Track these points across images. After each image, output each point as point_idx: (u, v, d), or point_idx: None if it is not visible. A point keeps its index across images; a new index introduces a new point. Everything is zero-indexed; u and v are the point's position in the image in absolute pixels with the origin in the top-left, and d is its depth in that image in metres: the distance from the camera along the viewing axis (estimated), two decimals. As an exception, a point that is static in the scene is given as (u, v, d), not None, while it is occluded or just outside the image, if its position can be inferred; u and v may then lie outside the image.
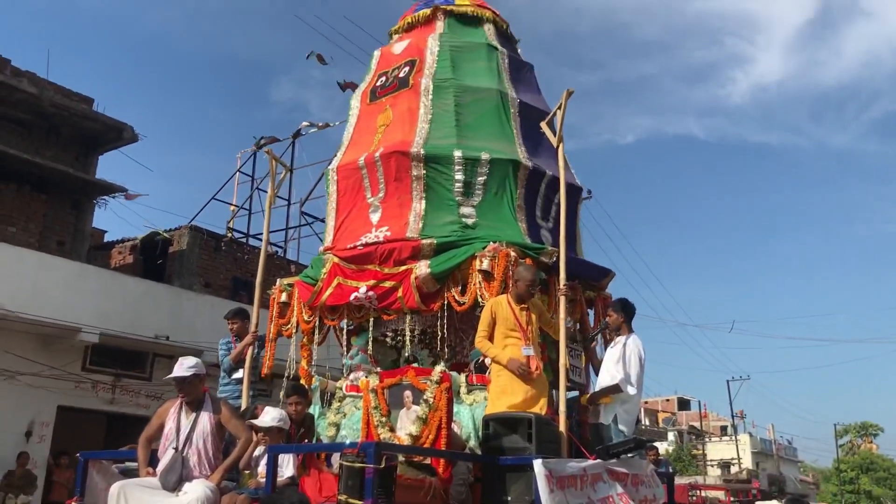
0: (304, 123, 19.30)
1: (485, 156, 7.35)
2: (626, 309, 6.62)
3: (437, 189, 7.31)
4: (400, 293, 6.88)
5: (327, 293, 7.29)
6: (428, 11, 8.66)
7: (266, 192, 8.72)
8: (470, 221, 7.22)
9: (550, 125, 7.01)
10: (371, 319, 7.21)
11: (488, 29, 8.60)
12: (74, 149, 15.71)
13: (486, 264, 6.55)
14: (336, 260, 7.33)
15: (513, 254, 6.61)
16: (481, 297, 6.51)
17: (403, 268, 6.91)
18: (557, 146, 6.80)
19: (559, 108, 6.77)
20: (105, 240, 18.24)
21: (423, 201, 7.30)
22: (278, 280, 8.02)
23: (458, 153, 7.32)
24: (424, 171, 7.31)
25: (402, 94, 8.01)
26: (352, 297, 7.06)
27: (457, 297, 6.74)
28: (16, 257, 12.53)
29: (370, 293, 6.97)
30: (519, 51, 8.92)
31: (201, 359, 7.85)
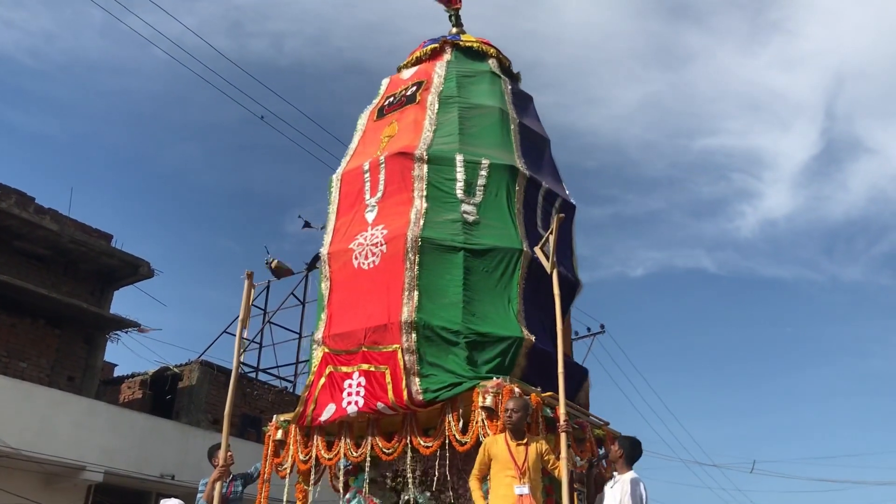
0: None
1: (485, 161, 7.70)
2: (633, 447, 6.32)
3: (439, 188, 7.62)
4: (390, 394, 6.67)
5: (320, 384, 7.15)
6: (436, 45, 9.33)
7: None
8: (471, 218, 7.45)
9: (544, 250, 6.98)
10: (369, 459, 6.93)
11: (492, 63, 9.19)
12: (91, 284, 15.91)
13: (489, 401, 6.24)
14: (326, 349, 7.29)
15: (517, 390, 6.39)
16: (483, 435, 6.18)
17: (391, 348, 6.82)
18: (551, 272, 6.72)
19: (551, 232, 6.75)
20: (115, 373, 18.16)
21: (424, 200, 7.51)
22: (274, 416, 7.76)
23: (459, 156, 7.68)
24: (427, 172, 7.63)
25: (408, 109, 8.57)
26: (344, 402, 6.90)
27: (458, 437, 6.46)
28: (25, 394, 12.47)
29: (361, 388, 6.83)
30: (520, 85, 9.41)
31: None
